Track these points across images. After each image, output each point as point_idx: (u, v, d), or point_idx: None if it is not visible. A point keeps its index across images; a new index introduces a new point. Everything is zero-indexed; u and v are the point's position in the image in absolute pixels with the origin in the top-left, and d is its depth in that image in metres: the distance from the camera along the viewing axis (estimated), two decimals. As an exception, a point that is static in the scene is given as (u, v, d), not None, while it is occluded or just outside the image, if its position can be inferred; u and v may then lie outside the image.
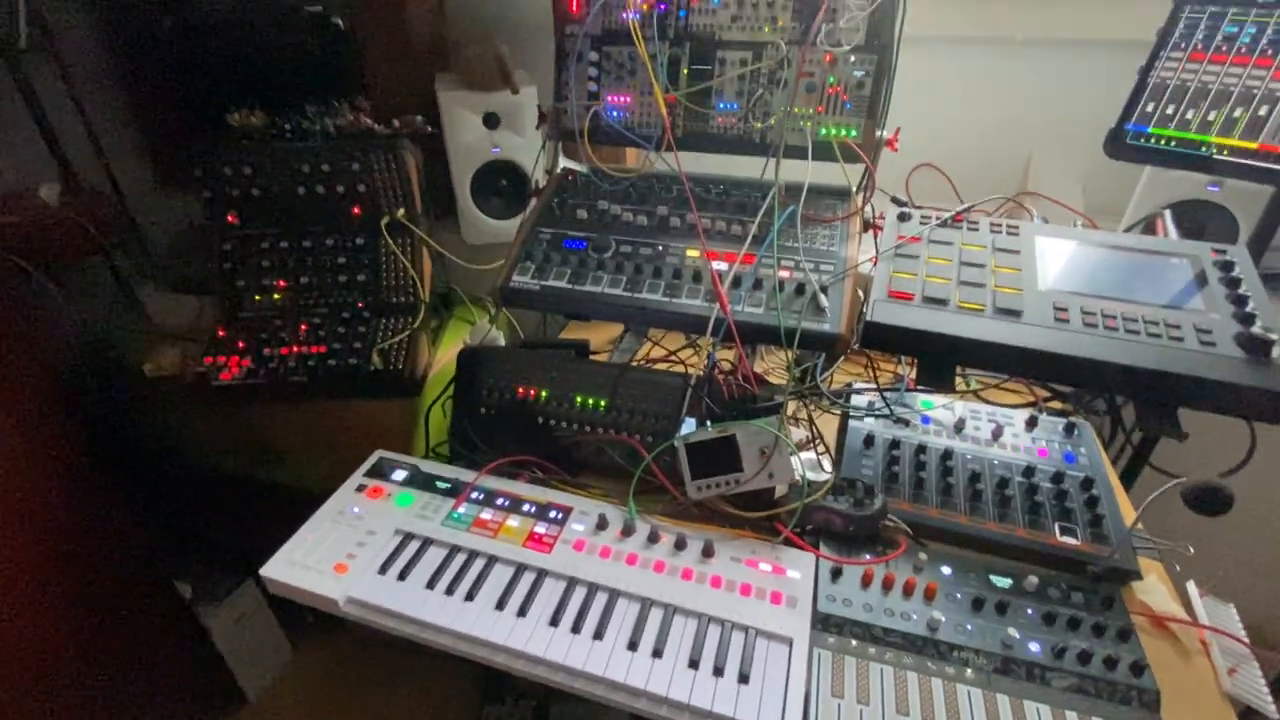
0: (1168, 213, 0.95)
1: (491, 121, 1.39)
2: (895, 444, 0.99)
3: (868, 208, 1.04)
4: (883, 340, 0.87)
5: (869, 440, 1.00)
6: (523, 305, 1.01)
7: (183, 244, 1.49)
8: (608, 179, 1.11)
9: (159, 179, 1.62)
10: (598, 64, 1.10)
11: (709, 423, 0.90)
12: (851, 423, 1.04)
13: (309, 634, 1.75)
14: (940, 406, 1.08)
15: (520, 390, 1.00)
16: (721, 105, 1.07)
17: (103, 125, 1.50)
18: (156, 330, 1.31)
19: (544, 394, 1.00)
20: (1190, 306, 0.81)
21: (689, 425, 0.91)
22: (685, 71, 1.07)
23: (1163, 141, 0.87)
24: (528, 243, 1.04)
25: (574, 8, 1.09)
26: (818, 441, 1.02)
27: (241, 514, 1.34)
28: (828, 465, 0.98)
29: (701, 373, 0.95)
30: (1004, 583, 0.80)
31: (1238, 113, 0.80)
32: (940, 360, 0.85)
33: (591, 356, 1.11)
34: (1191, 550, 0.87)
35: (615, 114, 1.12)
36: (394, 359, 1.08)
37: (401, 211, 1.17)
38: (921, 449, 0.98)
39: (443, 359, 1.23)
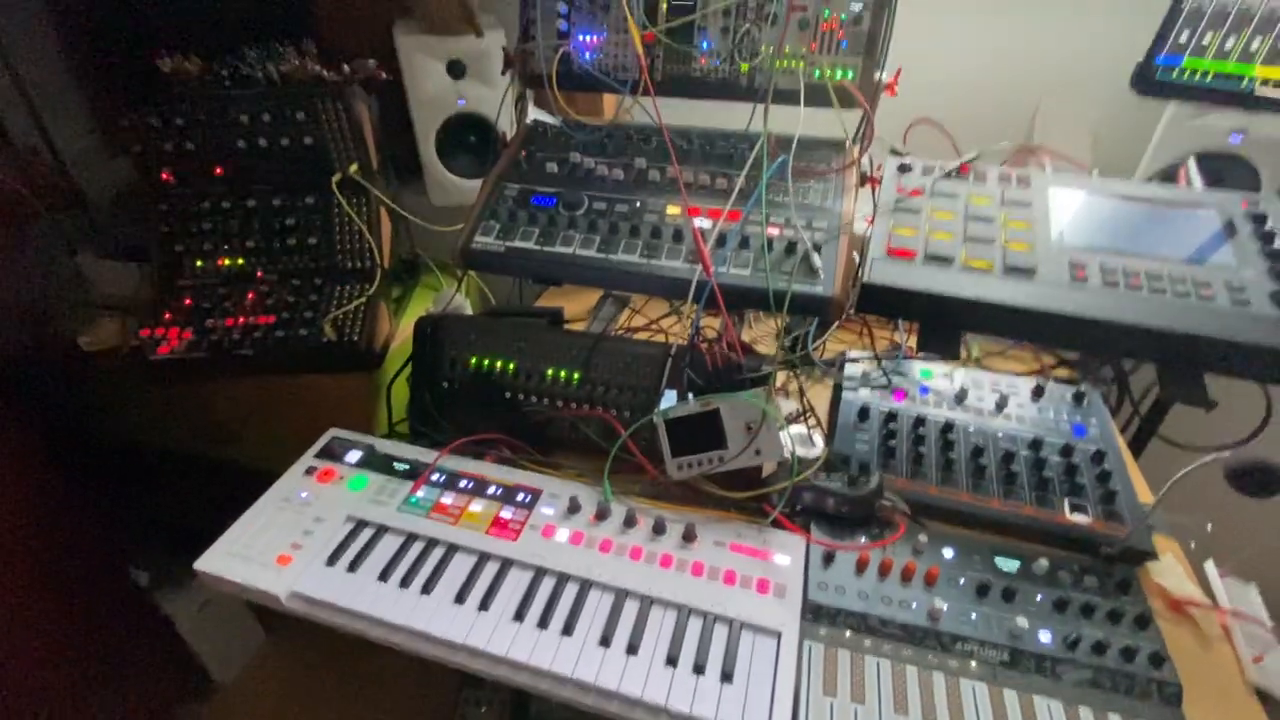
0: (1192, 160, 0.86)
1: (457, 70, 1.28)
2: (892, 416, 0.91)
3: (865, 159, 0.95)
4: (881, 303, 0.79)
5: (864, 413, 0.93)
6: (487, 269, 0.92)
7: (123, 207, 1.38)
8: (580, 129, 1.00)
9: (101, 138, 1.50)
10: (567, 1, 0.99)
11: (691, 396, 0.82)
12: (845, 394, 0.97)
13: (282, 618, 1.68)
14: (940, 376, 1.00)
15: (485, 362, 0.92)
16: (705, 44, 0.97)
17: (36, 80, 1.37)
18: (96, 300, 1.20)
19: (512, 366, 0.91)
20: (1220, 262, 0.73)
21: (670, 399, 0.83)
22: (664, 6, 0.97)
23: (1198, 75, 0.77)
24: (492, 200, 0.94)
25: (540, -65, 0.97)
26: (809, 415, 0.95)
27: (197, 497, 1.25)
28: (819, 440, 0.90)
29: (683, 342, 0.87)
30: (1011, 566, 0.73)
31: None
32: (945, 325, 0.77)
33: (566, 326, 1.03)
34: (1210, 527, 0.81)
35: (587, 55, 1.01)
36: (349, 330, 0.99)
37: (354, 167, 1.06)
38: (920, 421, 0.91)
39: (407, 330, 1.14)
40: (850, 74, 0.93)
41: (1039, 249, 0.77)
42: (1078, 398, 0.95)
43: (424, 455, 0.87)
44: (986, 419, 0.92)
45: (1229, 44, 0.74)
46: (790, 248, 0.83)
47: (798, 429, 0.92)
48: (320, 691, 1.60)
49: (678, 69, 0.99)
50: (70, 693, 1.23)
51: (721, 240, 0.85)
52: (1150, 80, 0.83)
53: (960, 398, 0.96)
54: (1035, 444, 0.87)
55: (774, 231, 0.85)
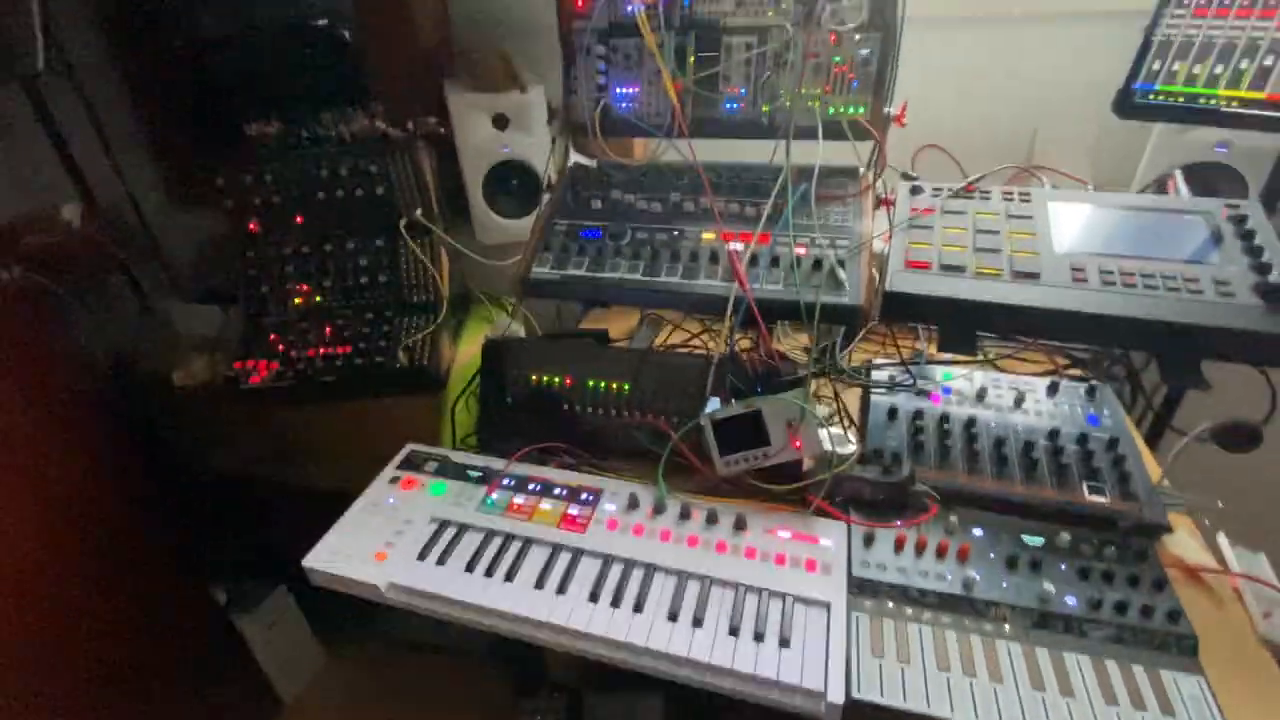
0: (1179, 172, 0.95)
1: (501, 122, 1.41)
2: (918, 414, 1.00)
3: (879, 183, 1.05)
4: (902, 310, 0.88)
5: (892, 413, 1.01)
6: (544, 295, 1.03)
7: (203, 256, 1.52)
8: (618, 169, 1.12)
9: (174, 195, 1.65)
10: (605, 57, 1.12)
11: (733, 399, 0.91)
12: (874, 398, 1.06)
13: (341, 639, 1.76)
14: (960, 377, 1.08)
15: (544, 378, 1.02)
16: (729, 91, 1.09)
17: (120, 145, 1.53)
18: (184, 342, 1.33)
19: (568, 381, 1.01)
20: (1207, 261, 0.82)
21: (714, 404, 0.92)
22: (691, 59, 1.09)
23: (1171, 98, 0.87)
24: (545, 235, 1.06)
25: (579, 4, 1.11)
26: (842, 416, 1.03)
27: (272, 519, 1.36)
28: (853, 438, 0.99)
29: (722, 354, 0.96)
30: (1036, 541, 0.81)
31: (1244, 64, 0.81)
32: (962, 326, 0.86)
33: (612, 344, 1.13)
34: (1220, 504, 0.87)
35: (624, 105, 1.14)
36: (419, 355, 1.10)
37: (419, 211, 1.19)
38: (945, 418, 0.99)
39: (463, 356, 1.25)
40: (861, 109, 1.05)
41: (1043, 256, 0.86)
42: (1090, 392, 1.03)
43: (494, 463, 0.96)
44: (1006, 414, 1.00)
45: (1196, 69, 0.84)
46: (817, 264, 0.93)
47: (833, 430, 1.01)
48: (378, 710, 1.67)
49: (705, 112, 1.11)
50: (150, 702, 1.32)
51: (754, 260, 0.95)
52: (1130, 104, 0.93)
53: (981, 396, 1.04)
54: (1053, 434, 0.95)
55: (801, 250, 0.96)
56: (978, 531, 0.82)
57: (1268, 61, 0.78)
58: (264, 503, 1.41)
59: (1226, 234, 0.85)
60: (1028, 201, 0.95)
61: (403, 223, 1.18)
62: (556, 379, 1.02)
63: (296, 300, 1.17)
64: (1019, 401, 1.02)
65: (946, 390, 1.06)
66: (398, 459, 0.99)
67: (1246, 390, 0.94)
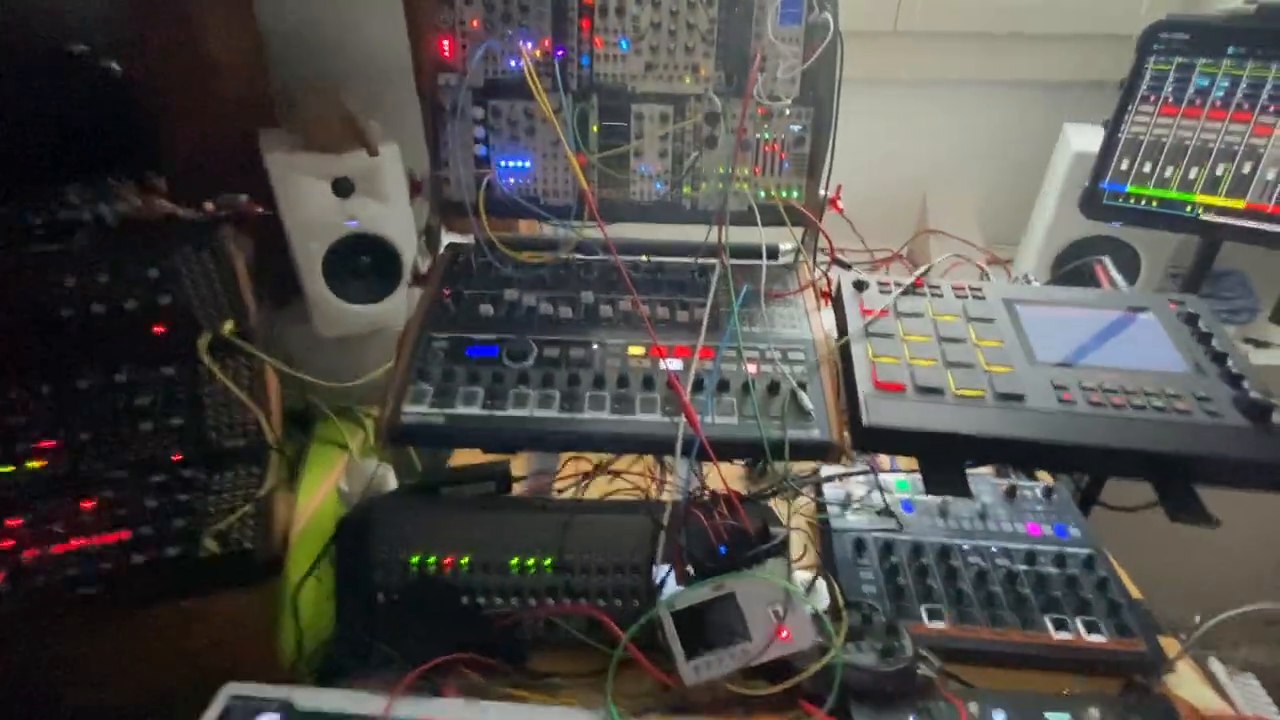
0: (1107, 260, 0.92)
1: (343, 188, 1.11)
2: (889, 548, 0.86)
3: (818, 274, 0.92)
4: (881, 444, 0.74)
5: (860, 546, 0.86)
6: (424, 444, 0.77)
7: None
8: (516, 264, 0.89)
9: None
10: (484, 122, 0.89)
11: (691, 570, 0.71)
12: (834, 522, 0.91)
13: None
14: (917, 488, 0.97)
15: (429, 559, 0.75)
16: (644, 169, 0.90)
17: None
18: None
19: (465, 560, 0.75)
20: (1177, 370, 0.76)
21: (669, 585, 0.71)
22: (595, 129, 0.89)
23: (1143, 201, 0.82)
24: (418, 354, 0.79)
25: (447, 53, 0.87)
26: (804, 555, 0.87)
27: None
28: (822, 587, 0.82)
29: (673, 499, 0.76)
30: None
31: (1220, 170, 0.77)
32: (949, 461, 0.73)
33: (515, 481, 0.88)
34: (1199, 620, 0.82)
35: (512, 181, 0.91)
36: (237, 535, 0.77)
37: (230, 325, 0.86)
38: (918, 549, 0.86)
39: (308, 508, 0.93)
40: (795, 193, 0.91)
41: (1019, 371, 0.76)
42: (1047, 493, 0.96)
43: (362, 703, 0.67)
44: (976, 536, 0.90)
45: (1168, 172, 0.80)
46: (773, 387, 0.76)
47: (802, 573, 0.84)
48: None
49: (614, 193, 0.92)
50: None
51: (698, 384, 0.76)
52: (1098, 205, 0.87)
53: (943, 511, 0.93)
54: (1030, 557, 0.86)
55: (752, 368, 0.78)
56: (999, 717, 0.68)
57: (1245, 169, 0.74)
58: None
59: (1183, 336, 0.80)
60: (982, 299, 0.86)
61: (204, 341, 0.84)
62: (446, 558, 0.75)
63: (32, 465, 0.78)
64: (983, 515, 0.92)
65: (908, 506, 0.94)
66: (211, 715, 0.66)
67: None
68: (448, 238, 0.96)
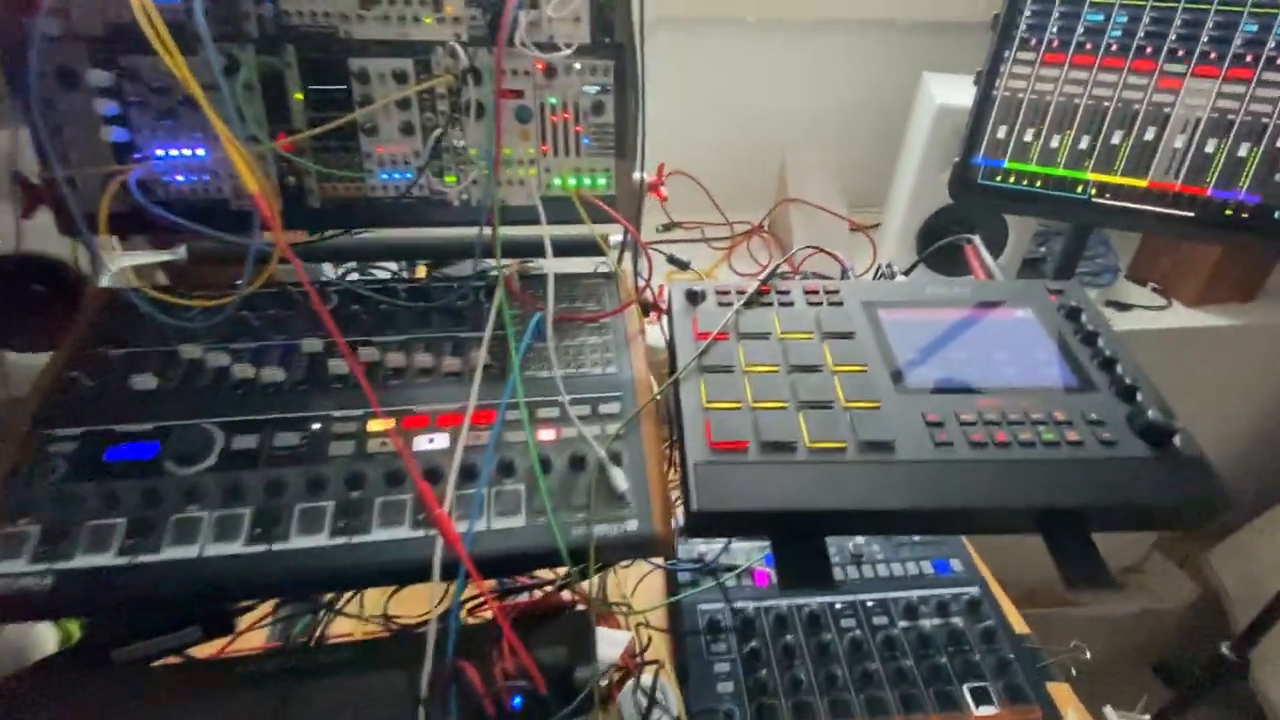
0: (978, 240, 0.77)
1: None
2: (748, 627, 0.69)
3: (641, 284, 0.71)
4: (718, 529, 0.55)
5: (714, 628, 0.69)
6: (29, 619, 0.49)
7: None
8: (173, 306, 0.60)
9: None
10: (117, 91, 0.58)
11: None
12: (684, 598, 0.73)
13: None
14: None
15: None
16: (383, 152, 0.63)
17: None
18: None
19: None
20: (1063, 382, 0.62)
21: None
22: (299, 96, 0.61)
23: (1024, 181, 0.65)
24: (22, 470, 0.51)
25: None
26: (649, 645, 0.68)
27: None
28: (673, 697, 0.64)
29: (430, 656, 0.53)
30: None
31: (1116, 137, 0.60)
32: (807, 545, 0.55)
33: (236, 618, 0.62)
34: (1088, 654, 0.72)
35: (181, 180, 0.61)
36: None
37: None
38: (782, 623, 0.70)
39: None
40: (601, 180, 0.68)
41: (886, 405, 0.59)
42: (923, 520, 0.83)
43: None
44: (850, 584, 0.75)
45: (1054, 142, 0.62)
46: (577, 462, 0.55)
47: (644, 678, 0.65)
48: None
49: (344, 189, 0.64)
50: None
51: (470, 473, 0.53)
52: (970, 186, 0.69)
53: (812, 560, 0.77)
54: (910, 610, 0.72)
55: (547, 436, 0.56)
56: None
57: (1148, 135, 0.58)
58: None
59: (1066, 334, 0.67)
60: (840, 304, 0.69)
61: None
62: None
63: None
64: (857, 557, 0.77)
65: (770, 559, 0.77)
66: None
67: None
68: (117, 269, 0.65)
